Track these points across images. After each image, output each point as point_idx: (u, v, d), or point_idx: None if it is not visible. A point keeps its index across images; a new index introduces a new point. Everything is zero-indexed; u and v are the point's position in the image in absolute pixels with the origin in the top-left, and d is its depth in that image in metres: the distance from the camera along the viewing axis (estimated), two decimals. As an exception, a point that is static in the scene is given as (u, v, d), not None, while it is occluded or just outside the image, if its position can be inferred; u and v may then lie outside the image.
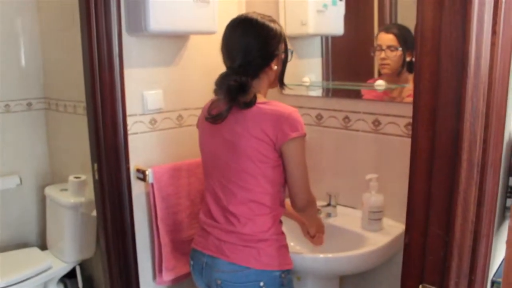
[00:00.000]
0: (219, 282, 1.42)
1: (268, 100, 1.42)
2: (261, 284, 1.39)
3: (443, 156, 0.81)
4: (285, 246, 1.47)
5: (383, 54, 1.75)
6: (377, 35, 1.79)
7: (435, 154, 0.82)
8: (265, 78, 1.45)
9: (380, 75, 1.79)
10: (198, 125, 1.59)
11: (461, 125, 0.77)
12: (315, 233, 1.65)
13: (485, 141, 0.78)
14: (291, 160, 1.39)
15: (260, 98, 1.42)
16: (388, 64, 1.76)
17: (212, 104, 1.47)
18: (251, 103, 1.38)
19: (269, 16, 1.46)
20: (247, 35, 1.40)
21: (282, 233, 1.48)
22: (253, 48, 1.40)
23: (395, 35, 1.74)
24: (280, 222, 1.49)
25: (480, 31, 0.74)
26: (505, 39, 0.76)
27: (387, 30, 1.77)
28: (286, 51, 1.49)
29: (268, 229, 1.42)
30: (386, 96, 1.76)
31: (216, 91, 1.46)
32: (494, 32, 0.74)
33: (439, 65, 0.78)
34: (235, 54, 1.41)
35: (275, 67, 1.45)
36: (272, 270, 1.40)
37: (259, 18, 1.42)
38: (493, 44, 0.75)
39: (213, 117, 1.42)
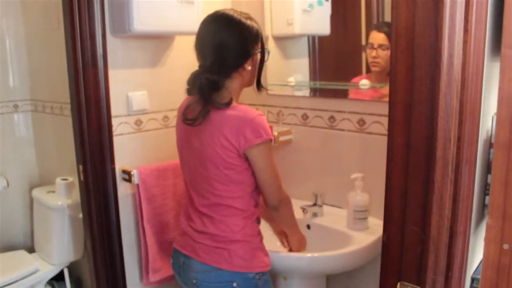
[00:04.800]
0: (194, 281, 1.43)
1: (236, 105, 1.37)
2: (234, 285, 1.38)
3: (418, 153, 0.81)
4: (260, 248, 1.46)
5: (374, 53, 1.76)
6: (370, 33, 1.80)
7: (410, 151, 0.82)
8: (238, 78, 1.39)
9: (369, 73, 1.80)
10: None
11: (435, 122, 0.78)
12: (297, 249, 1.61)
13: (459, 139, 0.79)
14: (256, 165, 1.36)
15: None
16: (378, 63, 1.77)
17: (188, 107, 1.41)
18: (228, 104, 1.34)
19: (246, 14, 1.40)
20: (221, 32, 1.34)
21: (258, 234, 1.47)
22: (227, 46, 1.34)
23: (386, 34, 1.74)
24: (257, 222, 1.48)
25: (452, 29, 0.74)
26: (478, 37, 0.77)
27: (379, 29, 1.78)
28: (262, 51, 1.43)
29: (240, 230, 1.40)
30: (376, 96, 1.77)
31: (188, 91, 1.44)
32: (466, 30, 0.75)
33: (413, 62, 0.78)
34: (207, 51, 1.36)
35: (249, 68, 1.39)
36: (244, 272, 1.40)
37: (235, 15, 1.36)
38: (465, 41, 0.75)
39: (188, 120, 1.38)
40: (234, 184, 1.38)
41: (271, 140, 1.35)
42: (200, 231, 1.43)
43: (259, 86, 1.49)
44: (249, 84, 1.46)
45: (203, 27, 1.40)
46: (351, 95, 1.86)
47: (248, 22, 1.37)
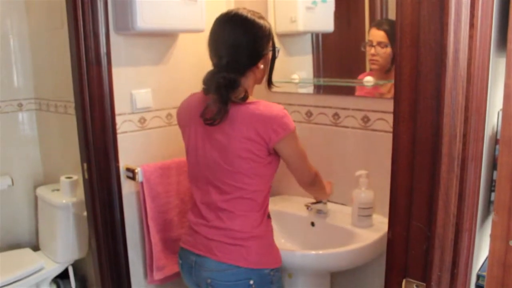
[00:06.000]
0: (209, 281, 1.42)
1: (256, 100, 1.39)
2: (251, 282, 1.39)
3: (423, 150, 0.81)
4: (274, 244, 1.47)
5: (373, 50, 1.75)
6: (369, 30, 1.79)
7: (415, 148, 0.82)
8: (252, 76, 1.42)
9: (371, 71, 1.80)
10: (179, 123, 1.56)
11: (440, 118, 0.77)
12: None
13: (465, 135, 0.78)
14: (287, 155, 1.41)
15: (249, 98, 1.40)
16: (377, 60, 1.76)
17: (208, 107, 1.41)
18: (244, 98, 1.37)
19: (258, 13, 1.43)
20: (236, 32, 1.37)
21: (271, 230, 1.48)
22: (241, 46, 1.37)
23: (386, 31, 1.74)
24: (269, 217, 1.49)
25: (457, 24, 0.74)
26: (483, 32, 0.76)
27: (378, 26, 1.77)
28: (274, 49, 1.47)
29: (258, 225, 1.42)
30: (377, 92, 1.77)
31: (205, 90, 1.44)
32: (471, 25, 0.74)
33: (418, 58, 0.78)
34: (222, 51, 1.38)
35: (262, 66, 1.43)
36: (261, 268, 1.40)
37: (249, 15, 1.39)
38: (471, 37, 0.74)
39: (208, 120, 1.38)
40: (259, 177, 1.40)
41: (295, 128, 1.39)
42: (215, 227, 1.42)
43: (270, 83, 1.53)
44: (260, 81, 1.49)
45: (217, 26, 1.41)
46: (356, 92, 1.85)
47: (261, 21, 1.40)
